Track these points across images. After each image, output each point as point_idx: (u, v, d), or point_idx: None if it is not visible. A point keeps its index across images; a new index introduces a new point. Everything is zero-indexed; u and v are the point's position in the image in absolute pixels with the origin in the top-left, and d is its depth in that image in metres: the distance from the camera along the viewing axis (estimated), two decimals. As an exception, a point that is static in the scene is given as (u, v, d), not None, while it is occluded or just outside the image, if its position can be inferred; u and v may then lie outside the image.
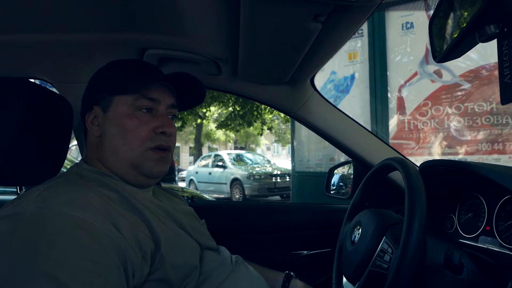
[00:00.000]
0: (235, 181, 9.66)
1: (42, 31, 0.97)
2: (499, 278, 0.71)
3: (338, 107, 1.32)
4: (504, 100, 0.44)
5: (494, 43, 0.45)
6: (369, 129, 1.50)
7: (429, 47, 0.60)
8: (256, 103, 9.19)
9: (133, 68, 0.82)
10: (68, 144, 0.91)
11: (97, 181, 0.71)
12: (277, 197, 9.16)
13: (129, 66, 0.82)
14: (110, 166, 0.76)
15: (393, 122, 4.01)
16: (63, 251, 0.54)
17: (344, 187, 1.43)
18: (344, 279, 0.88)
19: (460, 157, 3.64)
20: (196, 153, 16.55)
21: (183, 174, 13.63)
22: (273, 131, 17.41)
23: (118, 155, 0.75)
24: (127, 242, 0.60)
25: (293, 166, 5.55)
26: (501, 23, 0.43)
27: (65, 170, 0.80)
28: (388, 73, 4.04)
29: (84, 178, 0.72)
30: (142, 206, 0.70)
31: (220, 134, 20.25)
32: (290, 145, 7.70)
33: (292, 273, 1.01)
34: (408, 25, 3.93)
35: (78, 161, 0.82)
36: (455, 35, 0.50)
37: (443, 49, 0.55)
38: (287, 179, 9.10)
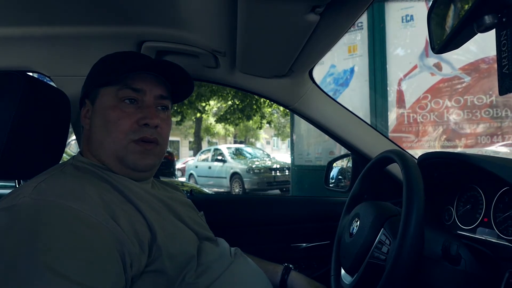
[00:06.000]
0: (234, 175, 9.68)
1: (39, 25, 0.97)
2: (497, 268, 0.71)
3: (338, 100, 1.32)
4: (502, 91, 0.44)
5: (493, 36, 0.45)
6: (369, 122, 1.50)
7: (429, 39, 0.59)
8: (256, 96, 9.19)
9: (119, 59, 0.80)
10: (66, 138, 0.91)
11: (93, 173, 0.71)
12: (277, 191, 9.18)
13: (116, 57, 0.81)
14: (99, 159, 0.76)
15: (392, 115, 4.01)
16: (61, 243, 0.54)
17: (343, 180, 1.44)
18: (343, 271, 0.88)
19: (459, 150, 3.64)
20: (196, 147, 16.56)
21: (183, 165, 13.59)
22: (272, 125, 17.41)
23: (103, 148, 0.74)
24: (125, 233, 0.60)
25: (292, 160, 5.56)
26: (500, 13, 0.43)
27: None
28: (387, 66, 4.03)
29: (80, 170, 0.72)
30: (136, 198, 0.69)
31: (219, 128, 20.25)
32: (289, 139, 7.71)
33: (291, 266, 1.01)
34: (408, 18, 3.92)
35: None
36: (454, 26, 0.50)
37: (442, 40, 0.54)
38: (287, 173, 9.12)
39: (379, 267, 0.73)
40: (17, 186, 0.89)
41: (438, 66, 3.77)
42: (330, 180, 1.47)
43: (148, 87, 0.77)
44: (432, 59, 3.78)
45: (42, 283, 0.49)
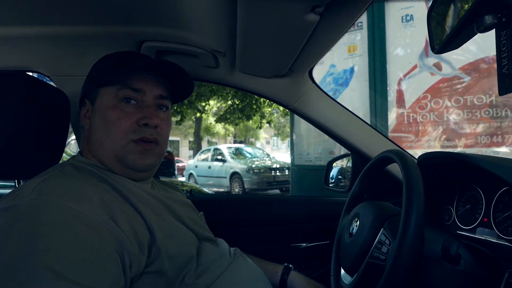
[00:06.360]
0: (234, 175, 9.68)
1: (39, 25, 0.96)
2: (496, 268, 0.71)
3: (338, 100, 1.32)
4: (502, 91, 0.44)
5: (493, 36, 0.45)
6: (369, 122, 1.50)
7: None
8: (255, 96, 9.19)
9: (119, 59, 0.80)
10: (66, 138, 0.91)
11: (92, 174, 0.71)
12: (277, 191, 9.18)
13: (116, 57, 0.81)
14: (99, 159, 0.76)
15: (392, 115, 4.01)
16: (60, 243, 0.54)
17: (343, 180, 1.44)
18: (342, 271, 0.88)
19: (459, 150, 3.64)
20: (196, 147, 16.55)
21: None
22: (272, 124, 17.42)
23: (103, 148, 0.75)
24: (124, 234, 0.60)
25: (292, 160, 5.56)
26: (499, 13, 0.43)
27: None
28: (387, 66, 4.03)
29: (80, 171, 0.72)
30: (136, 198, 0.69)
31: (219, 128, 20.26)
32: (289, 138, 7.71)
33: (291, 265, 1.01)
34: (408, 18, 3.92)
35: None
36: (454, 26, 0.50)
37: (442, 40, 0.54)
38: (286, 173, 9.12)
39: (379, 267, 0.73)
40: (16, 186, 0.89)
41: (438, 66, 3.77)
42: (330, 180, 1.47)
43: (148, 87, 0.77)
44: (432, 59, 3.77)
45: (41, 283, 0.49)
